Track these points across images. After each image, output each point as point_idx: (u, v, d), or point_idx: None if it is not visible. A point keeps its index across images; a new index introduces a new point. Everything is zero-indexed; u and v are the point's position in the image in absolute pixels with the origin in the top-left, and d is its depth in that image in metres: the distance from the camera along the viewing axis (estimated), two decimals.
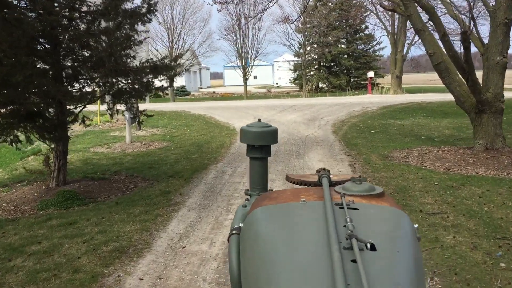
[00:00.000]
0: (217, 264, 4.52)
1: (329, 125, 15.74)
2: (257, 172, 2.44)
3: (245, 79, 36.92)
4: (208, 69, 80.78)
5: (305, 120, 17.21)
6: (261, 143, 2.35)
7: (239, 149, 11.32)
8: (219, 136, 13.87)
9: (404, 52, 33.62)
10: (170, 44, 35.09)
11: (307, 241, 1.44)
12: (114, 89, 7.37)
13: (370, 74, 33.18)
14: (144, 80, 7.06)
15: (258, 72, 74.36)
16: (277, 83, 70.62)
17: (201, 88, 64.88)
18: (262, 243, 1.53)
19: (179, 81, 45.91)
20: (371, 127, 14.67)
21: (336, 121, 16.64)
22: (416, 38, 34.53)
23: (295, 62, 46.67)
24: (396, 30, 33.29)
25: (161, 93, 8.18)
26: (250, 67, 37.76)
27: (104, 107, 12.32)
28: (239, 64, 37.66)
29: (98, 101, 17.00)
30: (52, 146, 7.87)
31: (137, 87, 7.09)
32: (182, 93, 46.09)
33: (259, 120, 2.45)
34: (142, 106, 23.99)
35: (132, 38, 7.27)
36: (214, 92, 51.17)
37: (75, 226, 5.84)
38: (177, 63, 8.25)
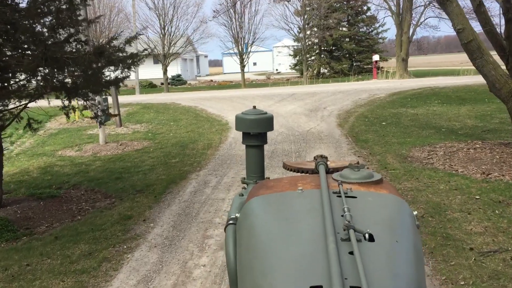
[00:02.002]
0: None
1: (333, 116, 13.96)
2: (254, 160, 2.39)
3: (242, 66, 34.83)
4: (206, 56, 78.47)
5: (306, 110, 15.42)
6: (257, 131, 2.31)
7: (228, 150, 9.57)
8: (208, 132, 12.12)
9: (410, 34, 31.58)
10: (162, 31, 33.10)
11: (304, 232, 1.39)
12: (56, 83, 5.60)
13: (376, 57, 31.07)
14: (90, 71, 5.29)
15: (257, 59, 72.16)
16: (277, 70, 68.50)
17: (199, 76, 62.83)
18: (258, 234, 1.49)
19: (174, 70, 43.88)
20: (382, 118, 12.89)
21: (341, 111, 14.84)
22: (423, 18, 32.57)
23: (295, 47, 44.48)
24: (401, 9, 31.16)
25: (113, 87, 6.28)
26: (247, 53, 35.71)
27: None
28: (236, 51, 35.70)
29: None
30: None
31: (75, 79, 5.32)
32: (178, 82, 44.09)
33: (254, 107, 2.41)
34: (129, 99, 22.26)
35: (73, 16, 5.48)
36: (211, 81, 49.19)
37: None
38: (145, 50, 6.46)
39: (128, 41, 5.81)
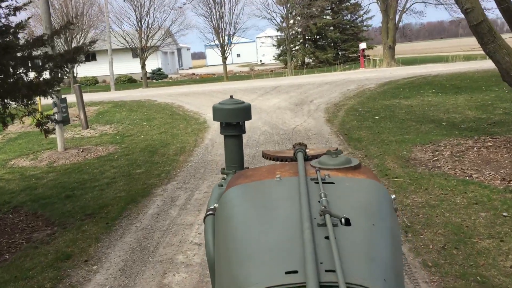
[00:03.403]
0: None
1: (321, 110, 12.79)
2: (233, 150, 2.37)
3: (224, 58, 33.44)
4: (188, 49, 76.63)
5: (291, 105, 14.21)
6: (235, 121, 2.30)
7: (204, 155, 8.35)
8: (183, 133, 10.86)
9: (396, 20, 30.46)
10: (139, 23, 31.52)
11: (280, 219, 1.38)
12: None
13: (362, 45, 29.90)
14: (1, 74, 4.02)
15: (241, 50, 70.76)
16: (261, 61, 67.05)
17: (182, 69, 61.07)
18: (235, 223, 1.47)
19: (154, 64, 42.23)
20: (374, 111, 11.75)
21: (328, 104, 13.67)
22: (409, 3, 31.48)
23: (279, 37, 43.12)
24: None
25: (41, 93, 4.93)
26: (229, 45, 34.28)
27: (47, 101, 9.14)
28: (217, 42, 34.23)
29: (38, 97, 13.64)
30: None
31: None
32: (158, 76, 42.42)
33: (231, 96, 2.39)
34: (102, 96, 20.85)
35: None
36: (193, 74, 47.68)
37: None
38: (92, 43, 5.17)
39: (57, 32, 4.53)
